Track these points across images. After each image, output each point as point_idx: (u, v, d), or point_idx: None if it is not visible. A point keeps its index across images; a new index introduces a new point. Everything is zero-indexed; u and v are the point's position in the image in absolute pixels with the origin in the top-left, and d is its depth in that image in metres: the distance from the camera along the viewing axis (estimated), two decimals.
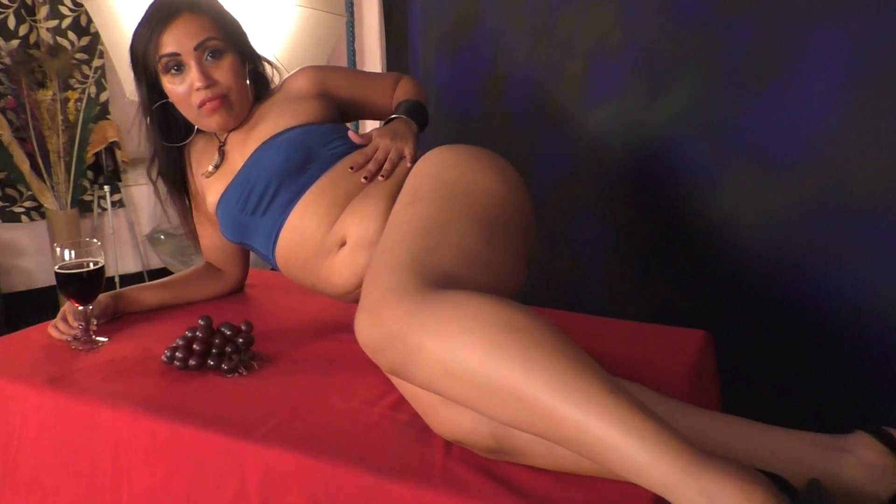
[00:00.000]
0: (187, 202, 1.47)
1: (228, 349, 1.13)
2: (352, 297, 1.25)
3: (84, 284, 1.22)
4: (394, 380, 1.04)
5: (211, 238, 1.48)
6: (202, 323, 1.15)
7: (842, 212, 1.33)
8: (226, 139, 1.38)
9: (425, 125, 1.39)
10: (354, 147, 1.29)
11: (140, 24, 1.30)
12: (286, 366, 1.16)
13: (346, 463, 0.88)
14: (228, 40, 1.30)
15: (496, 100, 2.05)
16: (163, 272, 3.24)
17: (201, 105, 1.29)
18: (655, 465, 0.69)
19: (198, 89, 1.27)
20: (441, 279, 0.90)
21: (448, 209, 1.04)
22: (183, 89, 1.28)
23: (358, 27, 2.77)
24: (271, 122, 1.32)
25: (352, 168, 1.23)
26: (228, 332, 1.15)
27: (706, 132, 1.53)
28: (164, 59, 1.27)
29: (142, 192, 3.26)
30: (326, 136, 1.29)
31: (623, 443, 0.70)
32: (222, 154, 1.37)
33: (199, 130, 1.41)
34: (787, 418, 0.94)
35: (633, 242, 1.73)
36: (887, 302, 1.29)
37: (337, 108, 1.39)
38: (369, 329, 0.85)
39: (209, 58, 1.27)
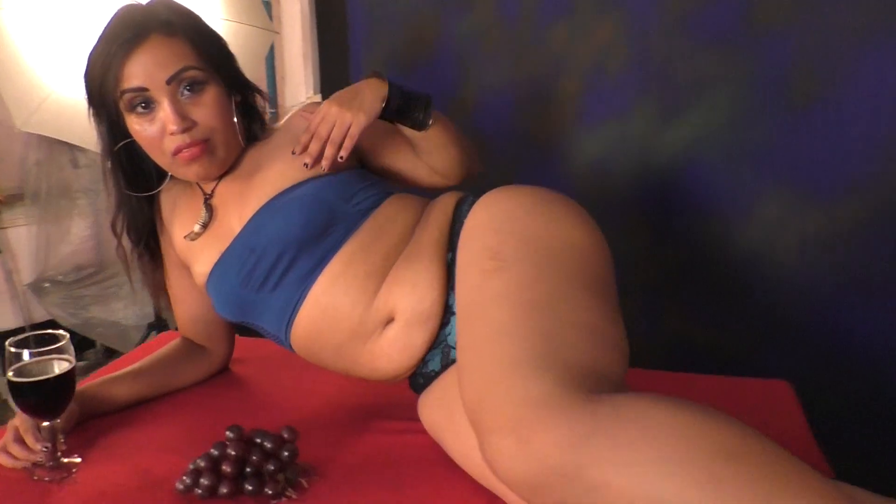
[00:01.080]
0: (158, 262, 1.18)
1: (271, 467, 0.87)
2: (400, 380, 1.04)
3: (52, 393, 0.92)
4: (500, 488, 0.84)
5: (190, 308, 1.19)
6: (232, 436, 0.88)
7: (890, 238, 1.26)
8: (213, 191, 1.10)
9: (412, 113, 1.03)
10: (382, 199, 1.07)
11: (97, 47, 1.01)
12: (342, 478, 0.91)
13: None
14: (211, 67, 1.02)
15: (463, 125, 1.86)
16: (51, 324, 2.79)
17: (176, 153, 1.02)
18: None
19: (172, 133, 0.99)
20: (586, 379, 0.72)
21: (549, 276, 0.85)
22: (153, 132, 1.01)
23: (278, 42, 2.48)
24: (276, 174, 1.06)
25: (293, 152, 1.03)
26: (269, 445, 0.89)
27: (731, 156, 1.43)
28: (127, 95, 0.99)
29: (20, 234, 2.79)
30: (347, 188, 1.05)
31: None
32: (210, 210, 1.09)
33: (173, 176, 1.13)
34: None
35: (642, 275, 1.61)
36: None
37: (356, 156, 1.14)
38: (522, 462, 0.65)
39: (186, 92, 1.00)
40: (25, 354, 0.91)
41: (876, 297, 1.29)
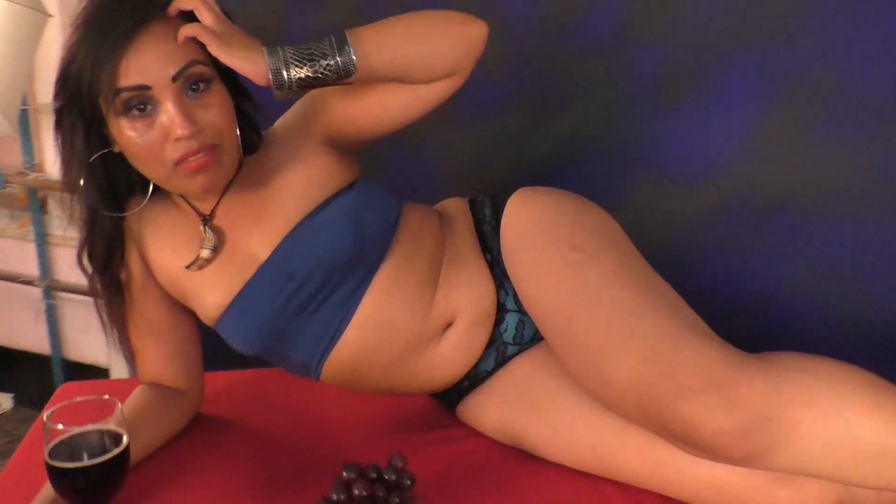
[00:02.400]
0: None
1: (396, 500, 0.82)
2: (443, 388, 1.03)
3: (102, 479, 0.75)
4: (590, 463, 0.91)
5: (168, 343, 1.02)
6: (353, 475, 0.80)
7: (749, 215, 1.55)
8: (214, 211, 0.96)
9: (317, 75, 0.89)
10: (398, 207, 1.02)
11: (81, 37, 0.83)
12: (450, 495, 0.89)
13: None
14: (213, 60, 0.89)
15: None
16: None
17: (181, 161, 0.86)
18: None
19: (179, 139, 0.84)
20: (715, 337, 0.83)
21: (631, 261, 0.95)
22: (152, 138, 0.85)
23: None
24: (296, 194, 0.97)
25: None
26: (393, 478, 0.82)
27: (608, 152, 1.61)
28: (124, 95, 0.83)
29: None
30: (371, 200, 1.00)
31: None
32: (217, 234, 0.95)
33: (153, 192, 0.95)
34: None
35: None
36: (792, 291, 1.55)
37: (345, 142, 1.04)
38: (729, 414, 0.74)
39: (191, 91, 0.86)
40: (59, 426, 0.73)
41: (734, 269, 1.57)
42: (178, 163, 0.87)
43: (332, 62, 0.86)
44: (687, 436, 0.77)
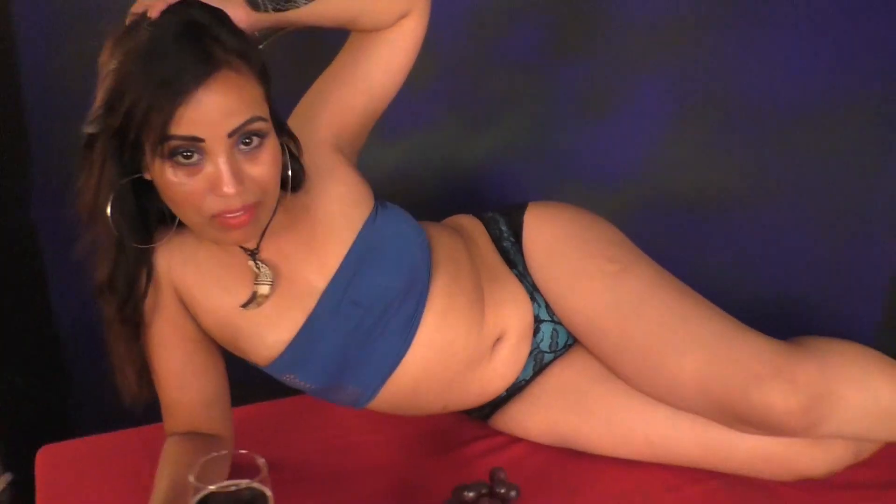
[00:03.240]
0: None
1: None
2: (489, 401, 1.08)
3: None
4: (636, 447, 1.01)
5: (204, 389, 0.97)
6: (472, 494, 0.84)
7: (664, 213, 1.74)
8: (260, 245, 0.93)
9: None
10: (419, 226, 1.04)
11: (135, 69, 0.76)
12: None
13: None
14: (271, 112, 0.85)
15: None
16: None
17: (219, 216, 0.81)
18: None
19: (224, 196, 0.79)
20: (754, 330, 0.97)
21: (658, 268, 1.05)
22: (195, 188, 0.79)
23: None
24: (339, 216, 0.95)
25: None
26: (503, 491, 0.86)
27: (534, 159, 1.72)
28: (173, 143, 0.77)
29: None
30: (403, 216, 1.03)
31: None
32: (272, 268, 0.93)
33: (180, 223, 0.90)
34: None
35: None
36: (703, 279, 1.76)
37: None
38: (792, 396, 0.88)
39: (243, 146, 0.80)
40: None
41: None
42: (215, 216, 0.81)
43: None
44: (759, 419, 0.89)
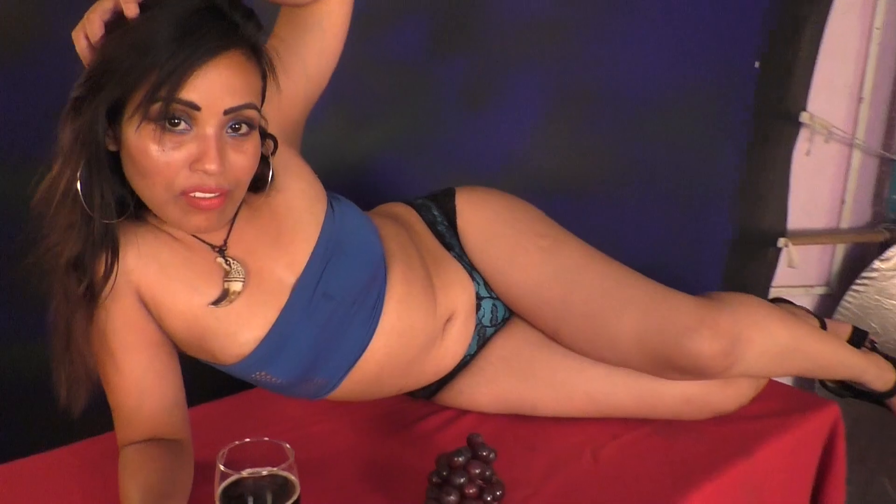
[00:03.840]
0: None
1: (487, 472, 0.92)
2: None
3: None
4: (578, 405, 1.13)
5: (166, 394, 0.94)
6: (462, 458, 0.89)
7: (539, 198, 1.86)
8: (227, 241, 0.92)
9: None
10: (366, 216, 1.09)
11: (157, 32, 0.77)
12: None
13: None
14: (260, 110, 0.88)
15: None
16: None
17: (188, 193, 0.82)
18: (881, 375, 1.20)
19: (204, 171, 0.80)
20: (673, 289, 1.12)
21: (578, 239, 1.17)
22: (174, 158, 0.80)
23: None
24: (303, 211, 0.97)
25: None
26: (484, 452, 0.92)
27: (420, 152, 1.78)
28: (175, 106, 0.78)
29: None
30: (355, 208, 1.06)
31: (853, 361, 1.19)
32: (242, 265, 0.92)
33: (135, 211, 0.88)
34: None
35: None
36: None
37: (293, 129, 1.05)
38: (716, 341, 1.04)
39: (231, 131, 0.83)
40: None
41: None
42: (184, 193, 0.81)
43: None
44: (690, 365, 1.02)
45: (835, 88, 2.03)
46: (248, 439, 0.74)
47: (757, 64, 1.89)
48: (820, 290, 2.14)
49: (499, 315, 1.16)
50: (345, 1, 1.00)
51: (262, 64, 0.86)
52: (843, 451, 1.20)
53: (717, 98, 1.89)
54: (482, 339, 1.14)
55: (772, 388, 1.20)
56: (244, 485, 0.70)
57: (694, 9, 1.80)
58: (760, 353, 1.06)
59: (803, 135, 2.01)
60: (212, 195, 0.81)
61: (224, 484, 0.70)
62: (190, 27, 0.76)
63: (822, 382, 1.31)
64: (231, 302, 0.90)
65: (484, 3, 1.73)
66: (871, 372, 1.20)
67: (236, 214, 0.93)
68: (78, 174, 0.81)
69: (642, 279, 1.10)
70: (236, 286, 0.90)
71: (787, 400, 1.20)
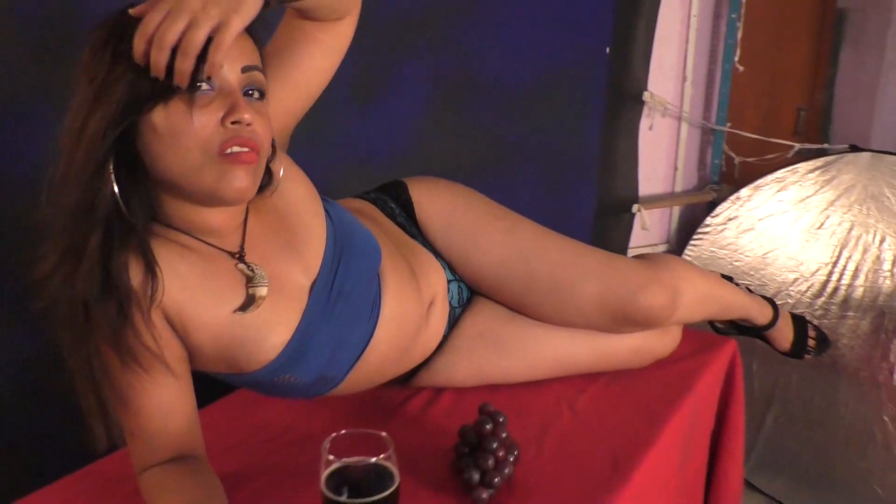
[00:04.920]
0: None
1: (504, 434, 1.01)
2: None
3: None
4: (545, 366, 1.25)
5: (189, 408, 0.93)
6: (484, 423, 0.96)
7: None
8: (243, 246, 0.92)
9: None
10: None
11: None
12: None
13: None
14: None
15: None
16: None
17: (225, 150, 0.80)
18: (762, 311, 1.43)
19: (238, 122, 0.81)
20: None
21: (527, 218, 1.28)
22: (206, 117, 0.80)
23: None
24: (306, 213, 1.00)
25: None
26: (500, 419, 1.00)
27: (313, 145, 1.77)
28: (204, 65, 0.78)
29: None
30: (337, 204, 1.10)
31: (745, 302, 1.41)
32: (261, 271, 0.93)
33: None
34: None
35: None
36: None
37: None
38: (664, 294, 1.21)
39: (251, 93, 0.86)
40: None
41: None
42: (221, 151, 0.80)
43: None
44: (644, 317, 1.17)
45: (665, 70, 2.32)
46: (343, 431, 0.76)
47: (608, 50, 2.10)
48: (662, 248, 2.45)
49: (464, 296, 1.23)
50: (353, 27, 1.02)
51: (256, 40, 0.87)
52: (741, 376, 1.43)
53: (577, 81, 2.08)
54: (453, 320, 1.22)
55: (684, 333, 1.40)
56: (349, 471, 0.73)
57: (560, 8, 1.98)
58: (690, 301, 1.24)
59: (645, 112, 2.27)
60: (247, 149, 0.81)
61: (328, 470, 0.72)
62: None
63: (713, 324, 1.54)
64: (258, 307, 0.90)
65: None
66: (755, 309, 1.43)
67: (246, 219, 0.93)
68: (111, 176, 0.77)
69: (590, 248, 1.23)
70: (262, 291, 0.90)
71: (696, 341, 1.40)
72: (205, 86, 0.79)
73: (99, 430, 0.84)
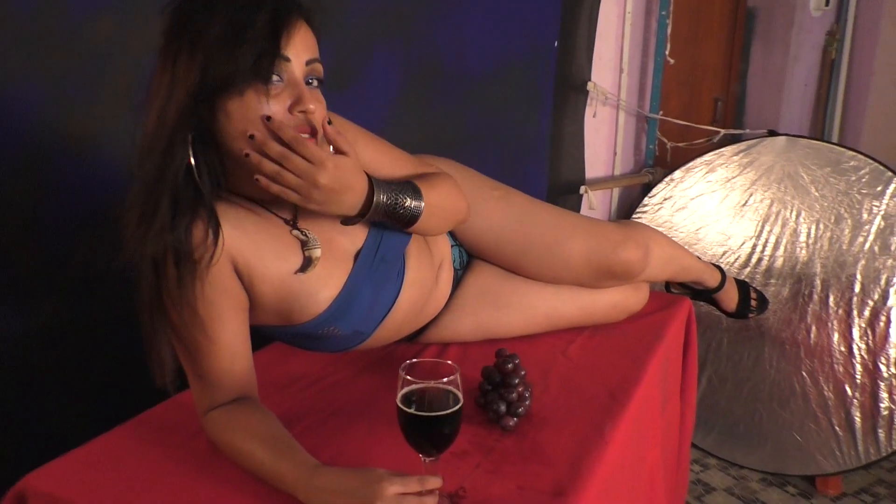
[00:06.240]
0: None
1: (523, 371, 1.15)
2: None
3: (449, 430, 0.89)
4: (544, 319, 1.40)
5: (246, 355, 1.04)
6: (513, 363, 1.10)
7: None
8: (297, 214, 1.03)
9: (394, 218, 1.06)
10: None
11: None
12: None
13: None
14: None
15: None
16: None
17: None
18: (713, 275, 1.63)
19: (306, 111, 0.93)
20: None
21: (511, 187, 1.42)
22: (276, 105, 0.92)
23: None
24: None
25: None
26: (517, 360, 1.14)
27: None
28: (276, 61, 0.92)
29: None
30: None
31: (699, 265, 1.60)
32: (313, 235, 1.05)
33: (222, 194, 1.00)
34: None
35: None
36: None
37: None
38: (638, 250, 1.39)
39: (310, 82, 0.98)
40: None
41: None
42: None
43: (411, 203, 1.06)
44: (623, 270, 1.33)
45: (605, 62, 2.52)
46: (415, 359, 0.88)
47: (556, 43, 2.28)
48: None
49: (464, 259, 1.37)
50: None
51: (316, 38, 0.99)
52: (695, 331, 1.63)
53: (530, 72, 2.25)
54: (456, 281, 1.35)
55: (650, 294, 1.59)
56: (421, 392, 0.85)
57: (515, 3, 2.13)
58: (658, 259, 1.42)
59: (589, 101, 2.46)
60: (307, 135, 0.94)
61: (405, 390, 0.84)
62: (274, 4, 0.91)
63: (668, 288, 1.73)
64: (315, 267, 1.01)
65: None
66: (707, 272, 1.63)
67: None
68: (189, 149, 0.87)
69: (571, 213, 1.39)
70: (316, 252, 1.02)
71: (659, 300, 1.58)
72: (275, 78, 0.90)
73: (168, 367, 0.93)
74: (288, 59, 0.92)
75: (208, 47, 0.87)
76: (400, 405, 0.85)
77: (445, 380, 0.86)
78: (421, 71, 2.05)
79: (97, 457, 1.01)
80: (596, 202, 2.51)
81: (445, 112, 2.14)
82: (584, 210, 2.49)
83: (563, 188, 2.43)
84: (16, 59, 1.42)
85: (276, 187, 0.91)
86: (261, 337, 1.17)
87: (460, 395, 0.87)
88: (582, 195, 2.46)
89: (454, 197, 1.16)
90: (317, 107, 0.94)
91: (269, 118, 0.89)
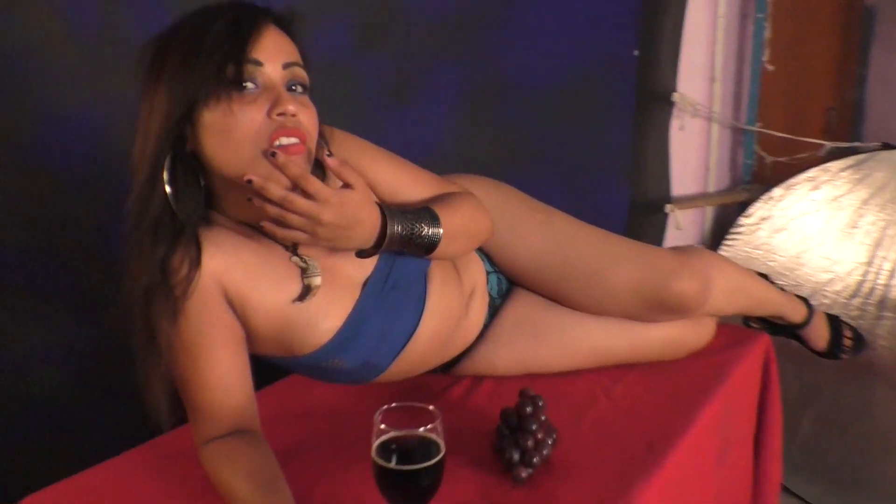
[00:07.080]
0: None
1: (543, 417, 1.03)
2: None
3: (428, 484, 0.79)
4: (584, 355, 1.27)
5: (244, 388, 0.98)
6: (523, 405, 0.99)
7: None
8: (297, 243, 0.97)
9: (410, 247, 0.99)
10: None
11: (196, 18, 0.88)
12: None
13: None
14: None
15: None
16: None
17: (273, 141, 0.86)
18: (796, 309, 1.44)
19: (284, 113, 0.86)
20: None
21: (555, 209, 1.30)
22: (254, 114, 0.86)
23: None
24: None
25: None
26: (539, 403, 1.02)
27: None
28: (245, 66, 0.86)
29: None
30: None
31: (778, 298, 1.41)
32: (314, 262, 0.97)
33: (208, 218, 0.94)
34: None
35: None
36: None
37: None
38: (696, 281, 1.23)
39: (294, 88, 0.92)
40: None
41: None
42: (271, 142, 0.85)
43: (428, 231, 0.98)
44: (676, 303, 1.19)
45: (694, 70, 2.33)
46: (394, 404, 0.79)
47: (636, 52, 2.13)
48: None
49: (503, 287, 1.27)
50: None
51: (296, 40, 0.94)
52: (777, 371, 1.44)
53: (606, 83, 2.11)
54: (493, 310, 1.25)
55: (718, 328, 1.42)
56: (398, 441, 0.76)
57: (582, 4, 2.01)
58: (721, 290, 1.26)
59: (675, 112, 2.29)
60: (295, 140, 0.87)
61: (379, 440, 0.76)
62: (227, 11, 0.87)
63: (746, 322, 1.54)
64: (314, 296, 0.94)
65: (402, 1, 1.82)
66: (789, 306, 1.44)
67: None
68: (165, 177, 0.83)
69: (620, 237, 1.26)
70: (316, 280, 0.95)
71: (730, 335, 1.41)
72: (250, 85, 0.86)
73: (162, 406, 0.89)
74: (259, 63, 0.87)
75: (171, 68, 0.85)
76: (374, 457, 0.76)
77: (422, 430, 0.76)
78: (485, 83, 1.97)
79: (101, 481, 1.01)
80: (685, 222, 2.33)
81: (512, 126, 2.04)
82: (669, 230, 2.31)
83: (645, 207, 2.26)
84: (87, 86, 1.47)
85: (281, 232, 0.85)
86: (279, 366, 1.12)
87: (442, 445, 0.77)
88: (667, 214, 2.28)
89: (475, 218, 1.07)
90: (299, 110, 0.87)
91: (273, 154, 0.83)
